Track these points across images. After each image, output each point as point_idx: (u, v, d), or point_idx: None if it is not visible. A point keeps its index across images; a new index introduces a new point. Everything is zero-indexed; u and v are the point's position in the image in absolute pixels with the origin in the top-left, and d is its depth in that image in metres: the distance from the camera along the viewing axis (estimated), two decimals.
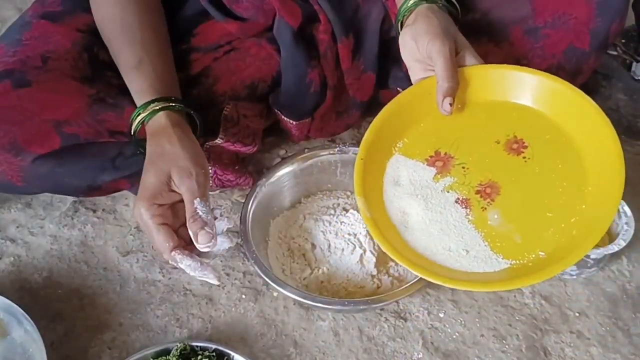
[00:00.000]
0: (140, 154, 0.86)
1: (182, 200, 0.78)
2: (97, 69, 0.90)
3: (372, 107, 1.11)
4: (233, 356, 0.82)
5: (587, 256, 0.88)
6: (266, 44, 0.99)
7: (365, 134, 0.87)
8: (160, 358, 0.81)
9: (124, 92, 0.88)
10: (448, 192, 0.83)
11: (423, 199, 0.83)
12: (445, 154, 0.85)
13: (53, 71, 0.86)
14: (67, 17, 0.91)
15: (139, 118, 0.83)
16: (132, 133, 0.85)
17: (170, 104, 0.83)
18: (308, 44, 0.98)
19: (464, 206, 0.82)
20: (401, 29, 0.88)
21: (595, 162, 0.78)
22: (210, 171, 0.98)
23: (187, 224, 0.76)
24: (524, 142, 0.83)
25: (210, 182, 0.99)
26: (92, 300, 0.91)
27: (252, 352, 0.85)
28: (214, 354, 0.81)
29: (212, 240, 0.75)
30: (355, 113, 1.09)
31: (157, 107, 0.83)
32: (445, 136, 0.86)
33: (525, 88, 0.84)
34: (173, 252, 0.75)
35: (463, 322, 0.88)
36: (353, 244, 0.91)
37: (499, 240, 0.79)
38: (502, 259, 0.78)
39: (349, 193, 1.02)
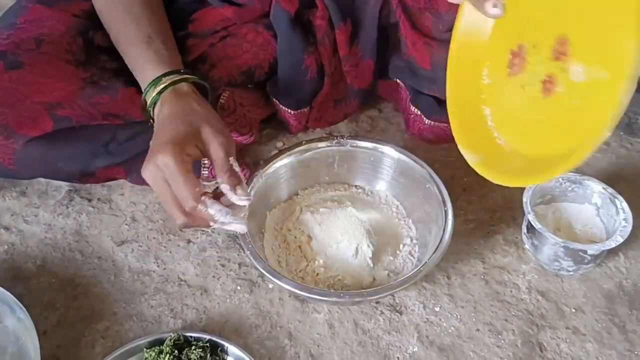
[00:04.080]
0: (150, 124, 0.83)
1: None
2: (92, 53, 0.90)
3: (370, 98, 1.11)
4: (227, 347, 0.81)
5: (585, 252, 0.88)
6: (263, 30, 0.98)
7: (447, 84, 0.82)
8: (153, 348, 0.80)
9: (118, 75, 0.87)
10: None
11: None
12: (519, 46, 0.76)
13: (46, 54, 0.85)
14: (62, 2, 0.91)
15: (161, 86, 0.80)
16: (147, 103, 0.81)
17: (187, 75, 0.82)
18: (305, 30, 0.98)
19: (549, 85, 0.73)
20: None
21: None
22: (207, 162, 0.98)
23: (223, 179, 0.73)
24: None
25: (207, 172, 0.98)
26: (85, 290, 0.91)
27: (247, 344, 0.84)
28: (207, 344, 0.81)
29: (248, 196, 0.74)
30: (353, 101, 1.08)
31: (177, 79, 0.81)
32: (517, 28, 0.76)
33: None
34: (203, 197, 0.72)
35: (459, 317, 0.87)
36: (349, 236, 0.91)
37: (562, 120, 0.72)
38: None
39: (346, 186, 1.02)
